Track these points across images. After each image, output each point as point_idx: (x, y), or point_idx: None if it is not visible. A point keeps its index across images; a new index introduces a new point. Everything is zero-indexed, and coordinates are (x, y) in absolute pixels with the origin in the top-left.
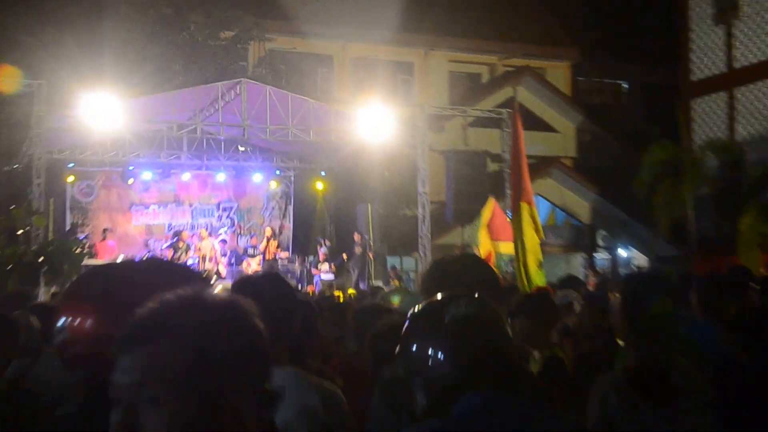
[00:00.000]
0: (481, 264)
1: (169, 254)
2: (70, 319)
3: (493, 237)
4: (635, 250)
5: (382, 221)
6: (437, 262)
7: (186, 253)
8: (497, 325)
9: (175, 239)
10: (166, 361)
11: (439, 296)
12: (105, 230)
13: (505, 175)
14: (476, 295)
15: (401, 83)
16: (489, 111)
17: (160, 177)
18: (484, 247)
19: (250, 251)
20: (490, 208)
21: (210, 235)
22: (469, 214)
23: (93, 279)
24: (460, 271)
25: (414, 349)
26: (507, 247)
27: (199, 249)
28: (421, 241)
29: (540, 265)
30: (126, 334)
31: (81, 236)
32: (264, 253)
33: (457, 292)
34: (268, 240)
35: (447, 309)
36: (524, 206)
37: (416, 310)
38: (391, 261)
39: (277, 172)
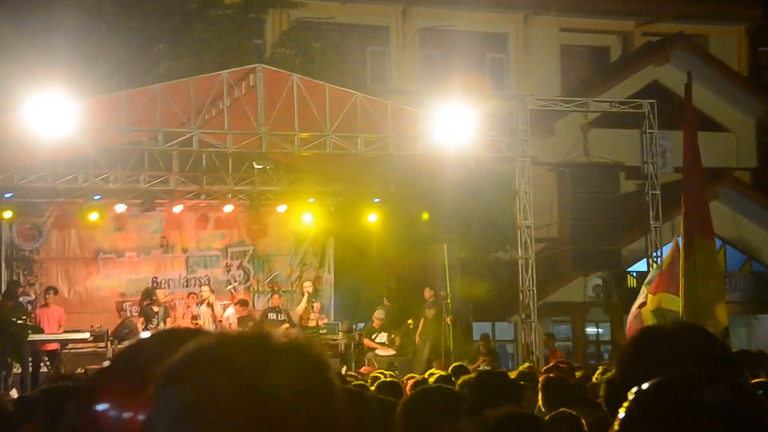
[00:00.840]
0: (706, 336)
1: (139, 325)
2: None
3: (653, 288)
4: None
5: (465, 269)
6: (644, 333)
7: (165, 322)
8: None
9: (145, 303)
10: (213, 398)
11: (675, 374)
12: (48, 291)
13: (649, 197)
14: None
15: (490, 65)
16: (622, 103)
17: (139, 211)
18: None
19: (273, 316)
20: (673, 250)
21: (213, 293)
22: (595, 258)
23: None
24: (679, 342)
25: None
26: (669, 302)
27: (195, 317)
28: (523, 298)
29: (725, 334)
30: (172, 367)
31: (26, 300)
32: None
33: (689, 370)
34: (309, 301)
35: (697, 392)
36: (700, 243)
37: (643, 390)
38: (480, 328)
39: (311, 200)
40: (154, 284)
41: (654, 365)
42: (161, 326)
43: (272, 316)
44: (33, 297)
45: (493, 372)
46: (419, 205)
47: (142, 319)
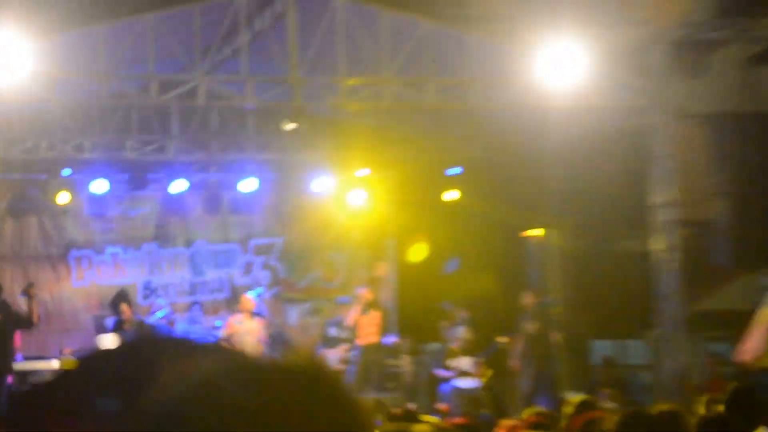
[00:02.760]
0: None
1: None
2: None
3: None
4: None
5: (579, 266)
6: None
7: None
8: None
9: (115, 318)
10: None
11: None
12: None
13: None
14: None
15: None
16: None
17: (125, 190)
18: None
19: (333, 332)
20: None
21: (228, 307)
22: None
23: None
24: None
25: None
26: None
27: (230, 336)
28: (664, 303)
29: None
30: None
31: None
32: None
33: None
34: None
35: None
36: None
37: None
38: (601, 348)
39: (362, 172)
40: (147, 290)
41: None
42: None
43: (333, 332)
44: None
45: (638, 413)
46: (513, 178)
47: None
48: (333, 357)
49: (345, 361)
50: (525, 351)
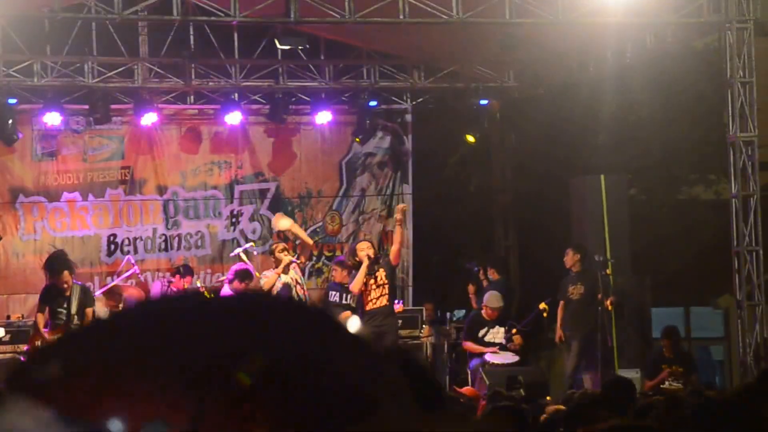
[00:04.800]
0: None
1: (39, 322)
2: None
3: None
4: None
5: (638, 218)
6: None
7: (78, 319)
8: None
9: (50, 282)
10: None
11: None
12: None
13: None
14: None
15: None
16: None
17: (84, 123)
18: None
19: (335, 297)
20: None
21: (209, 265)
22: None
23: None
24: None
25: None
26: None
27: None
28: (740, 264)
29: None
30: None
31: None
32: (362, 299)
33: None
34: (371, 271)
35: None
36: None
37: None
38: (663, 317)
39: (373, 104)
40: (112, 245)
41: None
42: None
43: (334, 296)
44: None
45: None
46: (559, 112)
47: (41, 314)
48: None
49: None
50: (570, 320)
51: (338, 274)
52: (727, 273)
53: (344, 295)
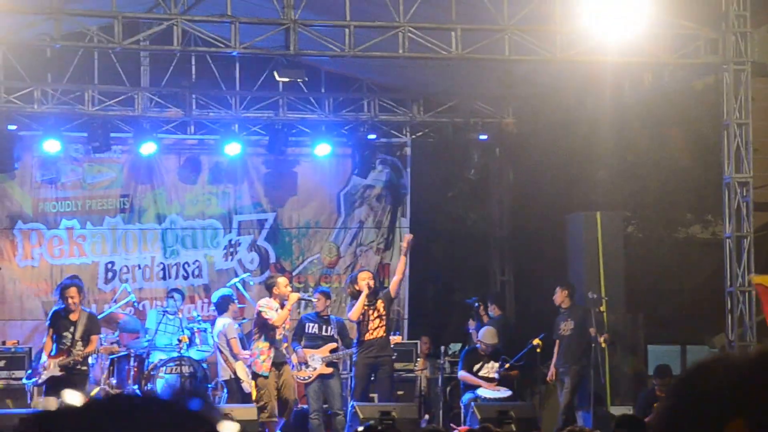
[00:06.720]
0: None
1: (47, 346)
2: None
3: None
4: None
5: (634, 256)
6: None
7: (83, 345)
8: None
9: (59, 306)
10: None
11: None
12: None
13: None
14: None
15: None
16: None
17: (84, 152)
18: None
19: (313, 329)
20: None
21: (207, 295)
22: None
23: None
24: None
25: None
26: None
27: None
28: (733, 305)
29: None
30: None
31: None
32: (360, 329)
33: None
34: (370, 298)
35: None
36: None
37: None
38: (658, 355)
39: (372, 138)
40: (110, 273)
41: None
42: (75, 351)
43: (312, 328)
44: None
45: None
46: (555, 148)
47: (48, 334)
48: (317, 359)
49: (333, 364)
50: (561, 356)
51: (320, 304)
52: (723, 312)
53: (324, 327)
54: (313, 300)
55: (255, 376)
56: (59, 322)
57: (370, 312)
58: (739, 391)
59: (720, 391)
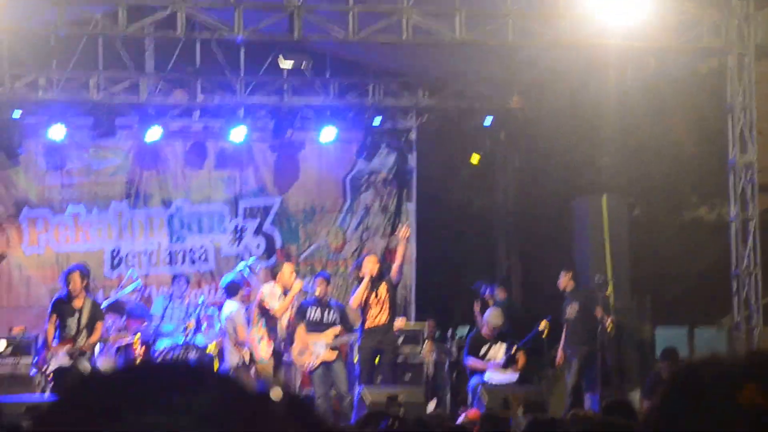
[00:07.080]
0: None
1: (49, 332)
2: None
3: None
4: None
5: (639, 238)
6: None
7: (87, 333)
8: None
9: (62, 293)
10: None
11: None
12: None
13: None
14: None
15: None
16: None
17: (89, 138)
18: None
19: (316, 315)
20: None
21: (213, 280)
22: None
23: None
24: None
25: None
26: None
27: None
28: (739, 286)
29: None
30: None
31: None
32: (362, 316)
33: None
34: (372, 287)
35: None
36: None
37: None
38: (666, 338)
39: (377, 122)
40: (116, 259)
41: None
42: (79, 340)
43: (314, 314)
44: None
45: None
46: (560, 132)
47: (52, 322)
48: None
49: (337, 348)
50: (568, 339)
51: (321, 289)
52: (730, 294)
53: (326, 312)
54: (315, 294)
55: (252, 362)
56: (62, 307)
57: (372, 298)
58: (752, 357)
59: (732, 360)
